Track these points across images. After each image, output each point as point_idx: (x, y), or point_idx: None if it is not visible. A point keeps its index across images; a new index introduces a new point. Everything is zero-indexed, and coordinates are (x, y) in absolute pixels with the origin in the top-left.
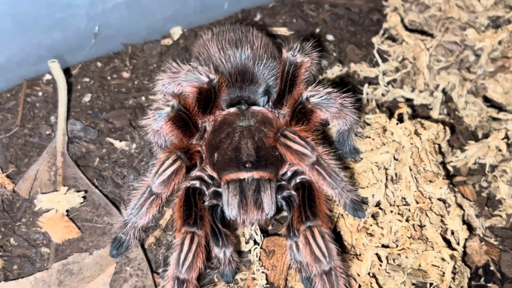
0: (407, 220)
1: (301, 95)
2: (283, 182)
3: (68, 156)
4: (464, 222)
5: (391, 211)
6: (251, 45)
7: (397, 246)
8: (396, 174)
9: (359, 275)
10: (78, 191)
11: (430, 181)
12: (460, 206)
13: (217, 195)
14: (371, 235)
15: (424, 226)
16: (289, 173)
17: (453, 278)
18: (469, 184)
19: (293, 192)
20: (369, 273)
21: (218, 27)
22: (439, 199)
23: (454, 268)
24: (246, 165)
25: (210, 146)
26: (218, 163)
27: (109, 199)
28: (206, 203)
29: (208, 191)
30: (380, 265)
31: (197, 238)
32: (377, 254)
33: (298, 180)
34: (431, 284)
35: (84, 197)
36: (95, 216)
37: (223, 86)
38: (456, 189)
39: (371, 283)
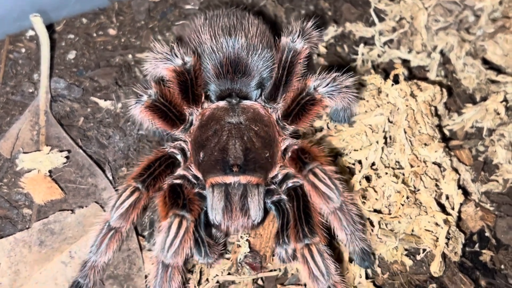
0: (402, 182)
1: (307, 85)
2: (273, 186)
3: (52, 115)
4: (459, 186)
5: (386, 173)
6: (245, 33)
7: (389, 211)
8: (390, 137)
9: None
10: (61, 151)
11: (425, 144)
12: (455, 170)
13: (201, 197)
14: (365, 197)
15: (418, 190)
16: (280, 176)
17: (447, 244)
18: (466, 148)
19: (284, 197)
20: None
21: (212, 10)
22: (434, 163)
23: (448, 233)
24: (233, 169)
25: (196, 143)
26: (203, 164)
27: (93, 159)
28: None
29: (193, 192)
30: (372, 230)
31: (186, 223)
32: (368, 219)
33: (290, 185)
34: (424, 249)
35: (67, 157)
36: (79, 177)
37: (199, 70)
38: (452, 153)
39: None
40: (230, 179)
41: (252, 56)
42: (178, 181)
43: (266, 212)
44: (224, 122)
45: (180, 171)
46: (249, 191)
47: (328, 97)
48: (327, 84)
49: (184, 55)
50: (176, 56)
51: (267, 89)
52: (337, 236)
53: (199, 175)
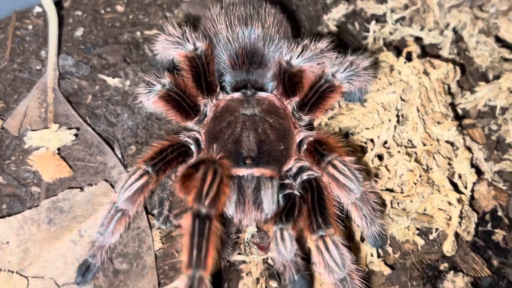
0: (415, 161)
1: (324, 72)
2: (287, 181)
3: (60, 92)
4: (472, 165)
5: (398, 152)
6: (262, 23)
7: (402, 190)
8: (402, 115)
9: None
10: (70, 129)
11: (438, 123)
12: (468, 149)
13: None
14: (377, 176)
15: (431, 169)
16: (294, 169)
17: (460, 223)
18: (478, 127)
19: (296, 192)
20: None
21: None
22: (447, 142)
23: (461, 212)
24: (246, 161)
25: (209, 135)
26: None
27: (102, 137)
28: None
29: None
30: (384, 210)
31: (220, 171)
32: (380, 198)
33: (304, 177)
34: (436, 229)
35: (76, 135)
36: (88, 155)
37: (211, 56)
38: (464, 132)
39: None
40: (243, 171)
41: (268, 47)
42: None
43: (279, 205)
44: (239, 114)
45: (193, 161)
46: (262, 184)
47: (347, 82)
48: (345, 69)
49: (196, 40)
50: (188, 41)
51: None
52: (354, 221)
53: None
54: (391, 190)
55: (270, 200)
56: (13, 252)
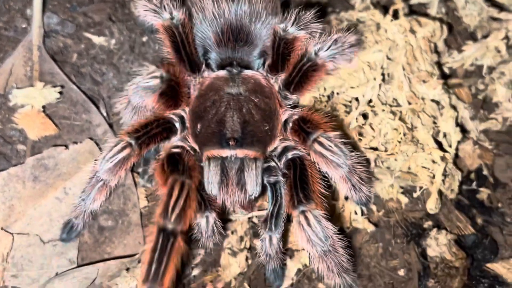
0: (399, 120)
1: (307, 51)
2: (273, 163)
3: (45, 50)
4: (457, 124)
5: (383, 110)
6: None
7: (386, 149)
8: (388, 74)
9: None
10: (55, 87)
11: (424, 81)
12: (454, 107)
13: (199, 169)
14: (361, 135)
15: (416, 127)
16: (279, 149)
17: (444, 181)
18: (465, 86)
19: (281, 178)
20: None
21: None
22: (432, 100)
23: (445, 170)
24: (230, 142)
25: (193, 114)
26: (200, 135)
27: (87, 96)
28: None
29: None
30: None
31: (187, 187)
32: (364, 156)
33: (289, 156)
34: (420, 187)
35: (61, 93)
36: (73, 113)
37: (189, 26)
38: (450, 91)
39: None
40: (226, 152)
41: (255, 23)
42: (176, 150)
43: (264, 187)
44: (223, 93)
45: (178, 142)
46: (246, 166)
47: (330, 60)
48: (329, 47)
49: (173, 9)
50: (165, 9)
51: (269, 59)
52: (341, 192)
53: (196, 147)
54: (375, 149)
55: (254, 182)
56: None
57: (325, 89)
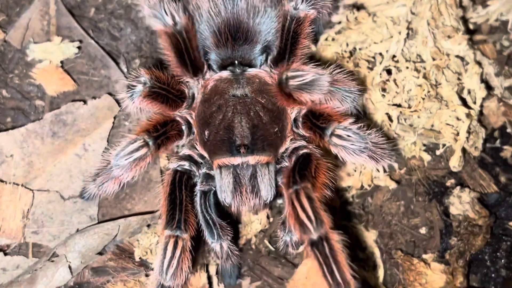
0: (423, 76)
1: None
2: (284, 164)
3: (62, 4)
4: (482, 81)
5: (407, 67)
6: None
7: (409, 105)
8: (412, 29)
9: None
10: (73, 41)
11: (449, 37)
12: (478, 63)
13: (209, 178)
14: (384, 90)
15: (440, 84)
16: (290, 150)
17: (467, 138)
18: (490, 42)
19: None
20: None
21: None
22: (457, 56)
23: (469, 127)
24: (240, 150)
25: (200, 119)
26: (209, 143)
27: (105, 51)
28: (198, 187)
29: (200, 172)
30: (390, 125)
31: (182, 242)
32: (387, 114)
33: (299, 154)
34: (443, 145)
35: (79, 48)
36: (91, 68)
37: (192, 31)
38: (475, 47)
39: None
40: (237, 160)
41: (254, 19)
42: (182, 164)
43: (278, 188)
44: (228, 96)
45: (185, 150)
46: (258, 171)
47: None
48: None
49: (175, 14)
50: (166, 13)
51: (273, 52)
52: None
53: (205, 154)
54: (399, 105)
55: (268, 186)
56: (18, 165)
57: (347, 44)
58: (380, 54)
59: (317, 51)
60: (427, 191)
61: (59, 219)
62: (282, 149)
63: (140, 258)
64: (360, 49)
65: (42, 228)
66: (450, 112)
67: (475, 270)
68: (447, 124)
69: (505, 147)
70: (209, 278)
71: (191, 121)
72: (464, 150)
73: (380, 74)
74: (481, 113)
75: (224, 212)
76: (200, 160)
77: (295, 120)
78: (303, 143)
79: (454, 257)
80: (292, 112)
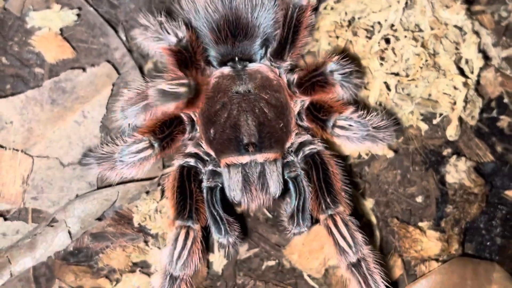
0: (421, 46)
1: (325, 64)
2: (290, 158)
3: None
4: (479, 50)
5: (405, 36)
6: None
7: (407, 75)
8: None
9: (366, 105)
10: (72, 9)
11: (447, 6)
12: (476, 33)
13: (215, 175)
14: (383, 59)
15: (438, 53)
16: (295, 145)
17: (464, 108)
18: (488, 12)
19: (301, 171)
20: (376, 102)
21: None
22: (455, 26)
23: (466, 97)
24: (249, 149)
25: (204, 118)
26: (215, 142)
27: (104, 19)
28: (204, 183)
29: (206, 169)
30: (388, 94)
31: (193, 233)
32: (385, 82)
33: (306, 152)
34: (440, 114)
35: (78, 15)
36: (91, 36)
37: (196, 41)
38: (473, 17)
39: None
40: (246, 159)
41: (252, 13)
42: (188, 160)
43: (285, 182)
44: (232, 93)
45: (191, 148)
46: (267, 169)
47: (341, 85)
48: (344, 73)
49: (177, 30)
50: (168, 32)
51: (273, 45)
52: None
53: (212, 153)
54: (397, 74)
55: (276, 183)
56: (17, 132)
57: (346, 13)
58: (379, 23)
59: (316, 20)
60: (423, 160)
61: (59, 185)
62: (288, 144)
63: (139, 224)
64: (359, 18)
65: (41, 194)
66: (448, 81)
67: (470, 238)
68: (445, 93)
69: (501, 117)
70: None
71: (195, 118)
72: (461, 120)
73: (379, 43)
74: (478, 83)
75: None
76: (206, 157)
77: (299, 113)
78: (308, 137)
79: (449, 225)
80: (296, 105)
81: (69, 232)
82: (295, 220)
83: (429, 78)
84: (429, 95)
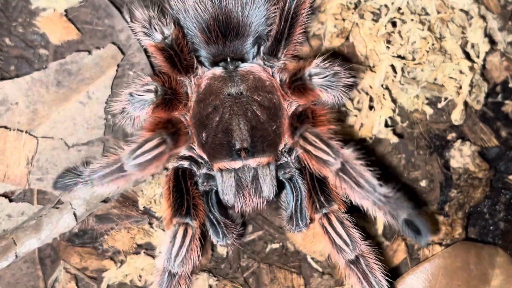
0: (428, 29)
1: (305, 68)
2: (284, 159)
3: None
4: (485, 35)
5: (412, 20)
6: None
7: (413, 58)
8: None
9: (371, 88)
10: None
11: None
12: (483, 18)
13: (209, 178)
14: (389, 42)
15: (444, 37)
16: (288, 145)
17: (470, 92)
18: None
19: (295, 171)
20: (382, 85)
21: None
22: (462, 10)
23: (472, 81)
24: (241, 154)
25: (196, 121)
26: (207, 146)
27: (109, 0)
28: (200, 187)
29: (200, 172)
30: (394, 77)
31: (191, 231)
32: (392, 65)
33: (299, 152)
34: (445, 98)
35: None
36: (95, 18)
37: (183, 40)
38: (480, 1)
39: (383, 95)
40: (238, 164)
41: (243, 11)
42: (182, 163)
43: (279, 183)
44: (224, 96)
45: (184, 152)
46: (260, 173)
47: (322, 89)
48: (325, 77)
49: (163, 27)
50: (155, 29)
51: (266, 43)
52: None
53: (204, 156)
54: (403, 57)
55: (270, 186)
56: (22, 113)
57: None
58: (386, 6)
59: (322, 2)
60: (428, 145)
61: (64, 166)
62: (281, 146)
63: (144, 207)
64: (365, 0)
65: (46, 175)
66: (454, 66)
67: (474, 222)
68: (450, 77)
69: (506, 101)
70: None
71: (185, 122)
72: (466, 104)
73: (385, 26)
74: (483, 67)
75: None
76: (200, 160)
77: (293, 115)
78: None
79: (453, 209)
80: (290, 106)
81: (75, 214)
82: (294, 221)
83: (435, 62)
84: (435, 79)
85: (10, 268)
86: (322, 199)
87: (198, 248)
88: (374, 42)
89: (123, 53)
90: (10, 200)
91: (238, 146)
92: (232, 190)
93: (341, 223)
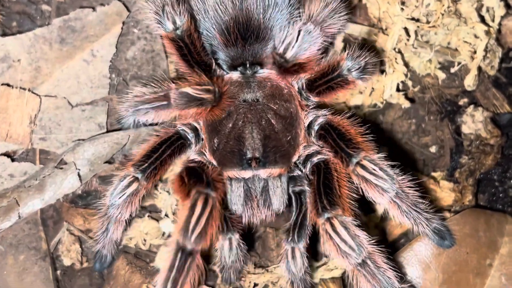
0: None
1: (339, 65)
2: (297, 173)
3: None
4: None
5: None
6: None
7: (428, 21)
8: None
9: (383, 51)
10: None
11: None
12: None
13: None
14: (403, 4)
15: (459, 0)
16: (303, 157)
17: (484, 57)
18: None
19: (307, 187)
20: (394, 49)
21: None
22: None
23: (486, 46)
24: (251, 164)
25: (209, 126)
26: (218, 152)
27: None
28: None
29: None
30: (407, 40)
31: (211, 201)
32: (405, 28)
33: (315, 161)
34: (459, 63)
35: None
36: None
37: (194, 34)
38: None
39: (396, 58)
40: (248, 173)
41: (265, 14)
42: (193, 165)
43: (290, 197)
44: (239, 102)
45: (195, 157)
46: (270, 184)
47: (361, 79)
48: (360, 68)
49: (176, 17)
50: (167, 18)
51: None
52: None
53: (214, 162)
54: (417, 20)
55: (280, 199)
56: (25, 70)
57: None
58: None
59: None
60: (439, 110)
61: (67, 126)
62: (295, 158)
63: None
64: None
65: (49, 134)
66: (469, 29)
67: (484, 189)
68: (465, 41)
69: None
70: None
71: (199, 127)
72: (479, 69)
73: None
74: (498, 31)
75: None
76: (210, 166)
77: (310, 125)
78: (316, 148)
79: (463, 175)
80: (307, 117)
81: (79, 175)
82: (290, 236)
83: (449, 26)
84: (449, 43)
85: (12, 229)
86: (325, 202)
87: (216, 226)
88: (388, 4)
89: (128, 10)
90: (12, 160)
91: (249, 155)
92: (241, 200)
93: (345, 228)
